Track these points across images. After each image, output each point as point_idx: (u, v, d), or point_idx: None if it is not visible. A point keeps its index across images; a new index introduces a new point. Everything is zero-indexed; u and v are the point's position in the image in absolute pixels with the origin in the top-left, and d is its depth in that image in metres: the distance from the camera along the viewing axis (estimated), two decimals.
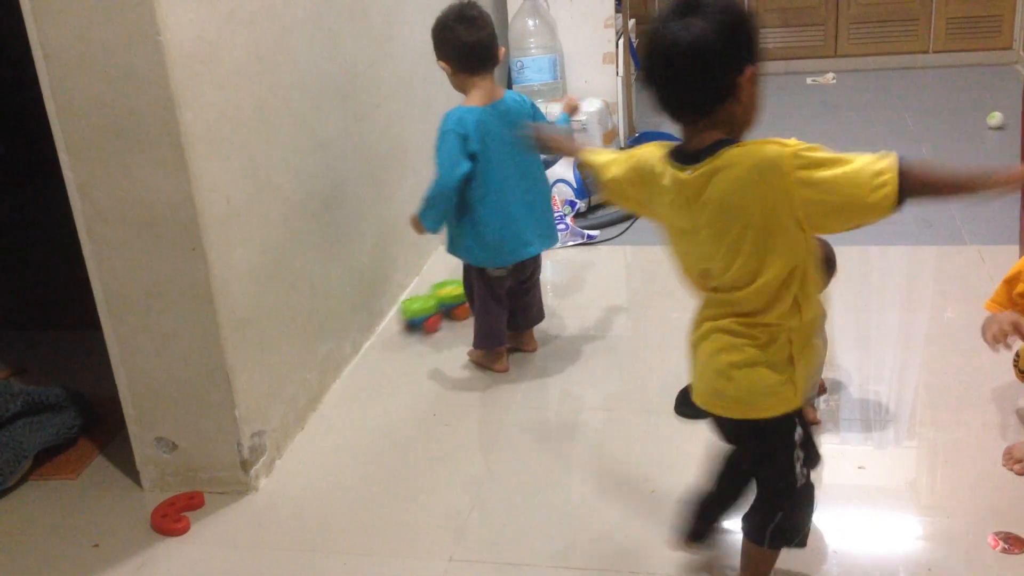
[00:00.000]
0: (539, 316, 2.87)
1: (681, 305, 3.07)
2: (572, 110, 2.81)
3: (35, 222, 4.24)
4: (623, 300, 3.24)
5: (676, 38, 1.46)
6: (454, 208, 2.58)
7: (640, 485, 2.23)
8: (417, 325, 3.05)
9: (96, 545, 2.16)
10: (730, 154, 1.49)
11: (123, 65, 1.95)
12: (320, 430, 2.57)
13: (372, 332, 3.06)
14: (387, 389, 2.75)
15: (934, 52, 5.80)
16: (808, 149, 1.47)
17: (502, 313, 2.74)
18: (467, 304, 2.92)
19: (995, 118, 4.60)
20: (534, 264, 2.76)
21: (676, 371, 2.64)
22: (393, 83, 3.20)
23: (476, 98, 2.56)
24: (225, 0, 2.16)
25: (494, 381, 2.73)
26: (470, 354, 2.82)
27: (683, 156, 1.58)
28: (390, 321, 3.14)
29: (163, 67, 1.95)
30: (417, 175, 3.40)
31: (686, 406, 2.49)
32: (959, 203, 3.71)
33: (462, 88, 2.60)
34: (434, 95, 3.57)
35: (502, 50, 2.62)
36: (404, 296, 3.20)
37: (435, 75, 3.61)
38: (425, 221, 2.59)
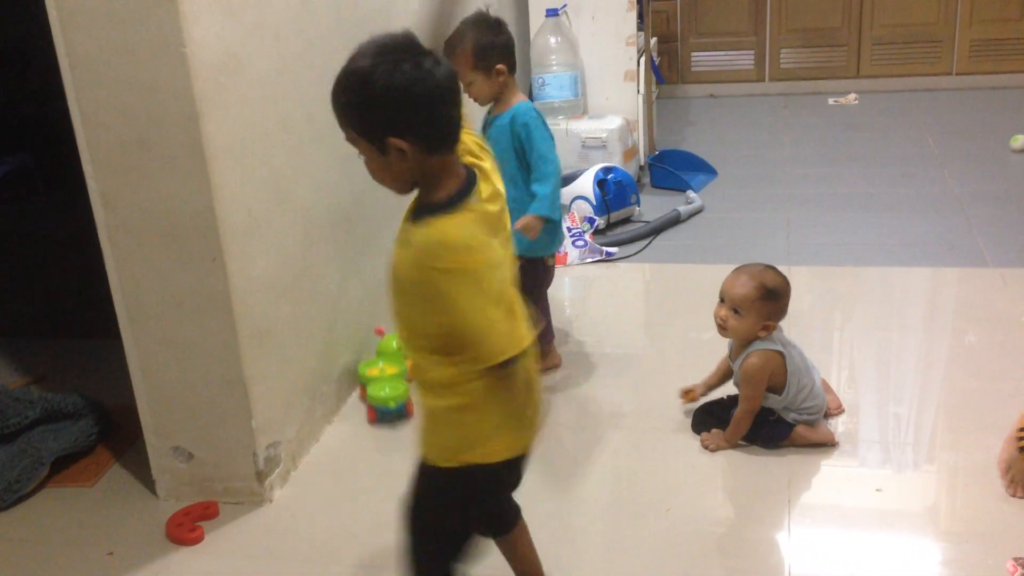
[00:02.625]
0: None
1: (700, 324, 3.07)
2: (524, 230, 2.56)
3: (58, 231, 4.28)
4: (641, 317, 3.23)
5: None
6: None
7: (656, 504, 2.22)
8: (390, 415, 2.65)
9: (111, 553, 2.16)
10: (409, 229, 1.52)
11: (148, 76, 1.97)
12: (335, 443, 2.57)
13: None
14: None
15: (957, 74, 5.77)
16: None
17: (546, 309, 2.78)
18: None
19: (1018, 141, 4.57)
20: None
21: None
22: None
23: (520, 96, 2.64)
24: (250, 13, 2.18)
25: None
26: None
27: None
28: None
29: (187, 79, 1.96)
30: None
31: (703, 424, 2.48)
32: (967, 226, 3.69)
33: (501, 91, 2.61)
34: None
35: None
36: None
37: None
38: (555, 213, 2.59)
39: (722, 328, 2.36)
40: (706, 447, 2.41)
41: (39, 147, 4.85)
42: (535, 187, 2.57)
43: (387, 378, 2.63)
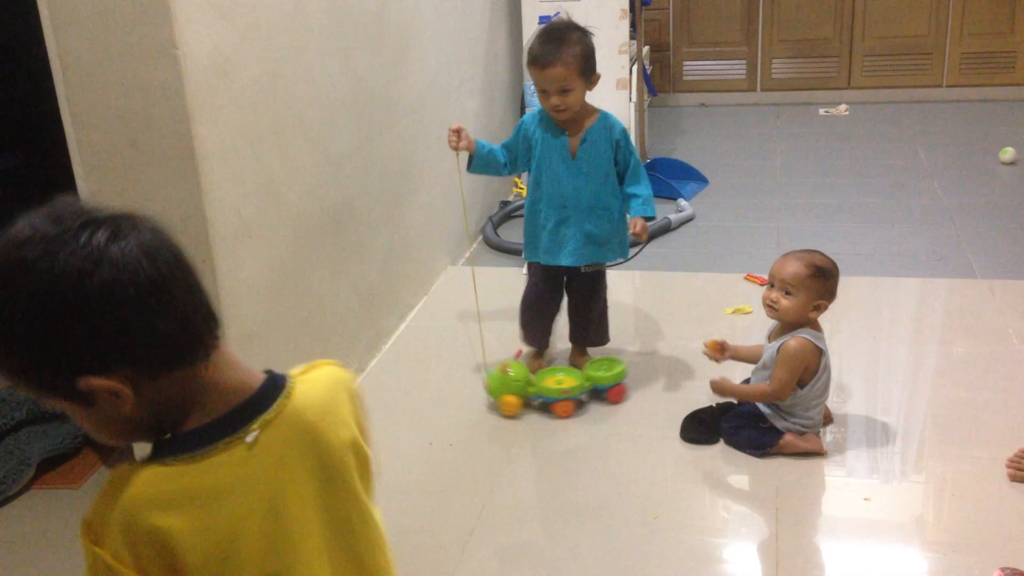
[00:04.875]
0: (598, 338, 2.87)
1: (689, 331, 3.08)
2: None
3: None
4: (631, 325, 3.23)
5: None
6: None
7: (644, 512, 2.22)
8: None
9: None
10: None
11: (140, 78, 1.97)
12: None
13: (378, 350, 3.06)
14: (392, 408, 2.75)
15: (948, 86, 5.80)
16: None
17: (538, 314, 2.80)
18: (622, 386, 2.72)
19: (1008, 153, 4.59)
20: (582, 278, 2.76)
21: (682, 397, 2.64)
22: (408, 102, 3.22)
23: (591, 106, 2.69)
24: (242, 16, 2.18)
25: (498, 404, 2.72)
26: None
27: None
28: (397, 340, 3.14)
29: (179, 81, 1.96)
30: (429, 194, 3.41)
31: (693, 432, 2.48)
32: (956, 238, 3.70)
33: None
34: (448, 115, 3.58)
35: None
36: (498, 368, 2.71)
37: (450, 95, 3.63)
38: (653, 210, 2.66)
39: (772, 310, 2.38)
40: (714, 384, 2.44)
41: (29, 149, 4.83)
42: (638, 189, 2.64)
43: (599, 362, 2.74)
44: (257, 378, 1.03)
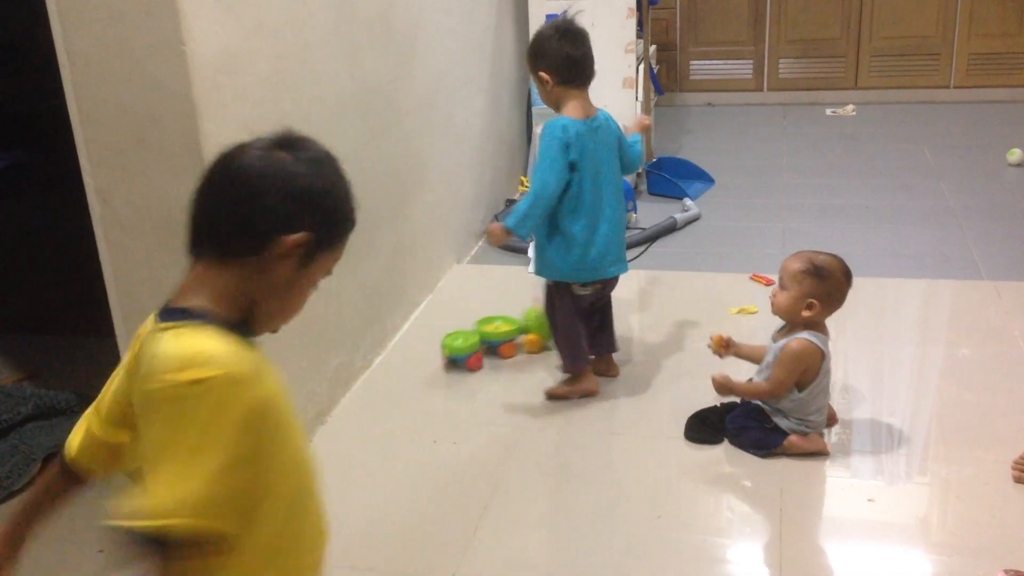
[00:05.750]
0: (613, 343, 2.82)
1: (694, 331, 3.07)
2: (643, 128, 2.86)
3: (53, 228, 4.27)
4: (635, 324, 3.23)
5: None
6: (544, 222, 2.59)
7: (647, 511, 2.22)
8: (459, 362, 2.89)
9: (101, 551, 2.16)
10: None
11: (147, 74, 1.97)
12: (327, 443, 2.57)
13: (384, 347, 3.06)
14: (396, 405, 2.75)
15: (955, 87, 5.79)
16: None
17: (583, 334, 2.73)
18: (512, 342, 2.95)
19: (1015, 155, 4.58)
20: (613, 286, 2.74)
21: (687, 396, 2.64)
22: (414, 100, 3.22)
23: (574, 110, 2.57)
24: (250, 13, 2.18)
25: (502, 402, 2.72)
26: (552, 392, 2.72)
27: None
28: (402, 337, 3.14)
29: (186, 77, 1.96)
30: (435, 192, 3.41)
31: (697, 432, 2.48)
32: (962, 239, 3.70)
33: (556, 101, 2.61)
34: (455, 113, 3.59)
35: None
36: (447, 331, 2.97)
37: (456, 93, 3.63)
38: (520, 229, 2.56)
39: (772, 304, 2.39)
40: (715, 380, 2.42)
41: (35, 144, 4.84)
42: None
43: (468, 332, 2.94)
44: None
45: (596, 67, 2.65)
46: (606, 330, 2.80)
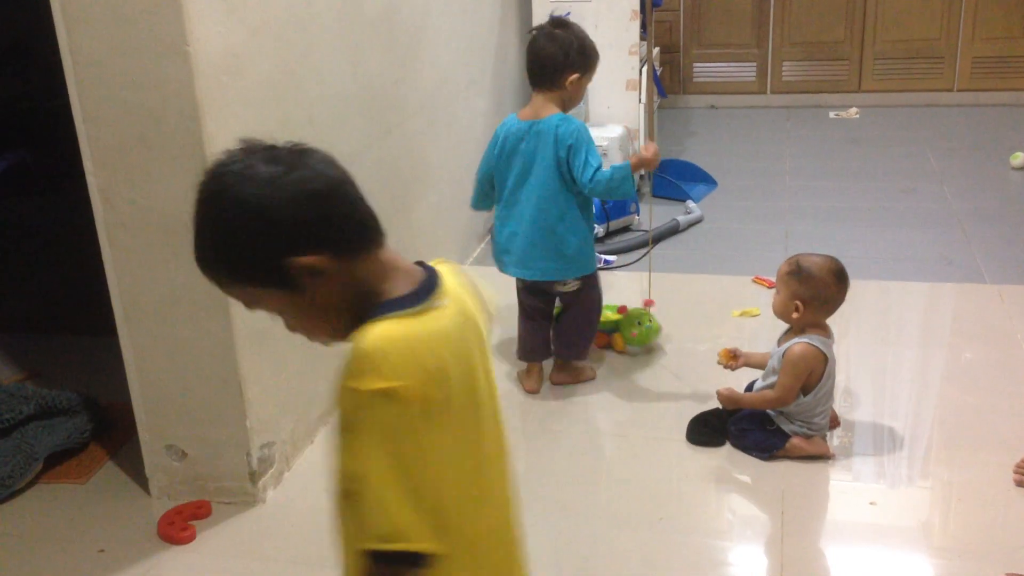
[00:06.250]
0: (568, 350, 2.79)
1: (696, 334, 3.07)
2: (643, 163, 2.76)
3: (56, 228, 4.28)
4: None
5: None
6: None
7: (649, 513, 2.22)
8: None
9: (102, 551, 2.16)
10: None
11: (150, 74, 1.97)
12: (331, 444, 2.56)
13: None
14: None
15: (958, 90, 5.78)
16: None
17: (532, 328, 2.77)
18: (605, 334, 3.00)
19: (1018, 158, 4.57)
20: (551, 290, 2.73)
21: (689, 398, 2.64)
22: (417, 101, 3.22)
23: (524, 111, 2.67)
24: (253, 14, 2.18)
25: (505, 403, 2.72)
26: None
27: None
28: None
29: (190, 77, 1.96)
30: (439, 193, 3.41)
31: (699, 434, 2.47)
32: (965, 242, 3.69)
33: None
34: (458, 114, 3.59)
35: (569, 77, 2.62)
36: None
37: (459, 94, 3.63)
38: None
39: (772, 307, 2.42)
40: (721, 396, 2.44)
41: (38, 143, 4.85)
42: None
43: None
44: (414, 265, 1.17)
45: (602, 68, 2.67)
46: (560, 337, 2.80)
